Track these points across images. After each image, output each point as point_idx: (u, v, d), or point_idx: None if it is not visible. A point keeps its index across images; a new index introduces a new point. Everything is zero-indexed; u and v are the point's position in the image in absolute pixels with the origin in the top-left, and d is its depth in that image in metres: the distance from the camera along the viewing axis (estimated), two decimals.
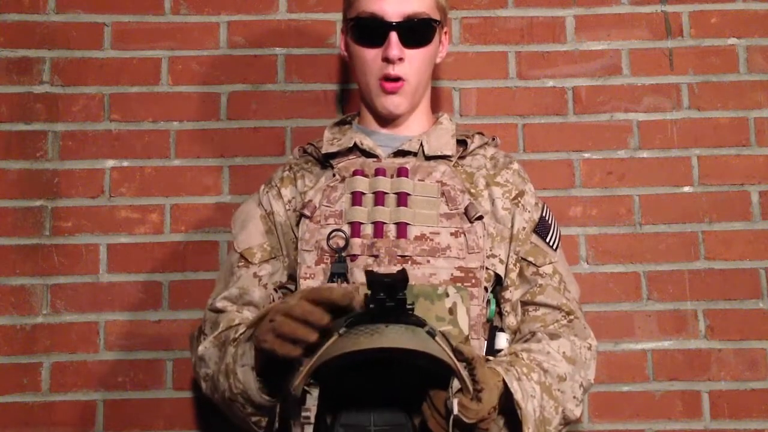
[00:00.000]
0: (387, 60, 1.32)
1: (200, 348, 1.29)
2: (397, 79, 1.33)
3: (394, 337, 0.94)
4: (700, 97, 1.88)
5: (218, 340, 1.26)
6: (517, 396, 1.14)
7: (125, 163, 1.85)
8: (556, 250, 1.38)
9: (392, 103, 1.35)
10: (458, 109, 1.88)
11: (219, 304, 1.33)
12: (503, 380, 1.15)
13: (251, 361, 1.13)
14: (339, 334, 0.96)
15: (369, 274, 0.95)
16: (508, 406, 1.15)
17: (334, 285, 1.21)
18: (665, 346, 1.80)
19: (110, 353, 1.78)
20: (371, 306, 0.95)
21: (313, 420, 1.01)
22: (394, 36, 1.31)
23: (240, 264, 1.36)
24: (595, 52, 1.91)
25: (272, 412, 1.17)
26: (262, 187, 1.43)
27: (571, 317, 1.32)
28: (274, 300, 1.32)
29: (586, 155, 1.87)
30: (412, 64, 1.33)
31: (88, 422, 1.76)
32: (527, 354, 1.23)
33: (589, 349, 1.31)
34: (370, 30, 1.33)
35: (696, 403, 1.77)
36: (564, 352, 1.26)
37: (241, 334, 1.21)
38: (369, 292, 0.95)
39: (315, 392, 1.01)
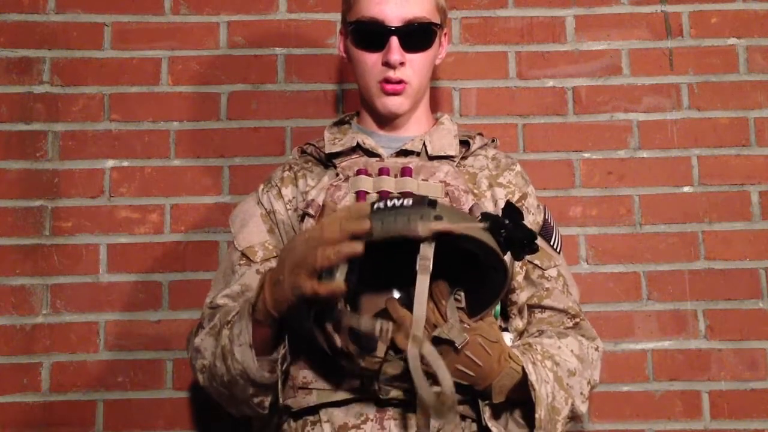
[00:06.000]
0: (387, 64, 1.32)
1: (196, 340, 1.27)
2: (398, 82, 1.33)
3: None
4: (700, 97, 1.88)
5: (213, 330, 1.24)
6: (532, 378, 1.15)
7: (125, 163, 1.85)
8: (559, 252, 1.39)
9: (393, 104, 1.36)
10: (458, 109, 1.88)
11: (220, 301, 1.32)
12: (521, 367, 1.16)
13: (248, 338, 1.12)
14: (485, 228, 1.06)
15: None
16: (523, 393, 1.16)
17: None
18: (665, 346, 1.80)
19: (110, 353, 1.78)
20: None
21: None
22: (394, 41, 1.31)
23: (241, 262, 1.35)
24: (595, 52, 1.90)
25: (274, 390, 1.16)
26: (261, 186, 1.42)
27: (577, 320, 1.34)
28: None
29: (586, 155, 1.87)
30: (413, 67, 1.34)
31: (88, 422, 1.76)
32: (540, 346, 1.24)
33: (596, 350, 1.32)
34: (370, 34, 1.33)
35: (696, 403, 1.77)
36: (572, 350, 1.27)
37: (235, 315, 1.18)
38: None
39: None
